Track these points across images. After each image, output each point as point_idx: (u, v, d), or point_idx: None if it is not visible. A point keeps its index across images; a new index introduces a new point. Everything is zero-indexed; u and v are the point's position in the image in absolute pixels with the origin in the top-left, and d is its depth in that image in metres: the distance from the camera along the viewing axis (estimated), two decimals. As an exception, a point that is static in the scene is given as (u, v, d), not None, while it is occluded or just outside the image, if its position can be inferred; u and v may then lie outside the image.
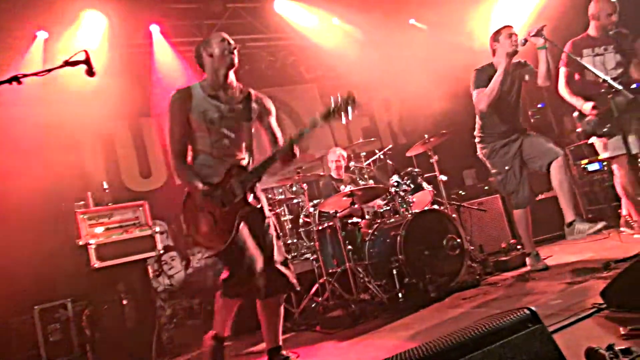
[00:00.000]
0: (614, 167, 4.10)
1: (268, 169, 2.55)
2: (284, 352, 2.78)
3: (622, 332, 1.96)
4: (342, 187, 5.04)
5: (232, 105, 2.64)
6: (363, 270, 4.06)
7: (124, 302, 4.09)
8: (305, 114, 7.55)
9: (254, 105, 2.70)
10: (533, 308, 1.30)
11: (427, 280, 3.71)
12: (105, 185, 4.57)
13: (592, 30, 4.04)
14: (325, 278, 4.16)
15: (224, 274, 2.58)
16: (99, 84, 5.20)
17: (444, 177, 4.69)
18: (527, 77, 3.83)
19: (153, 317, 4.30)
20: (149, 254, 4.23)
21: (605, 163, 5.59)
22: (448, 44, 7.41)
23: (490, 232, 5.17)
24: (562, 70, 4.02)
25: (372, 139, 5.95)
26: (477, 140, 4.01)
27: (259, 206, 2.59)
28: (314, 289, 4.29)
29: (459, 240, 4.00)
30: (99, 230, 4.11)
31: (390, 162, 5.08)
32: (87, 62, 2.42)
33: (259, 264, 2.50)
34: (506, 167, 3.80)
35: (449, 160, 5.87)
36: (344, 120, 2.44)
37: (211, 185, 2.52)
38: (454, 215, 4.43)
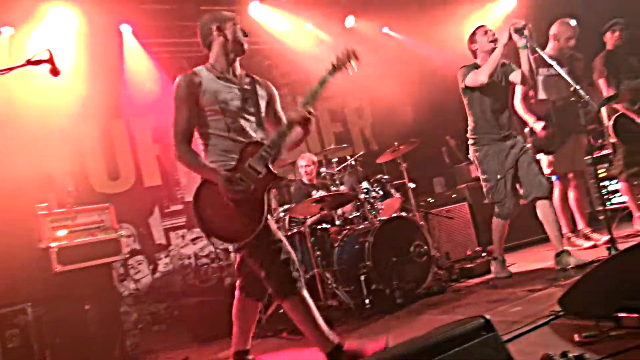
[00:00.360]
0: (555, 182, 4.40)
1: (286, 139, 2.43)
2: (250, 357, 2.76)
3: (577, 339, 2.02)
4: (313, 192, 5.05)
5: (242, 86, 2.50)
6: (331, 276, 4.06)
7: (87, 307, 3.99)
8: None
9: (259, 89, 2.58)
10: (487, 316, 1.33)
11: (394, 287, 3.74)
12: (70, 187, 4.46)
13: (550, 50, 4.26)
14: (293, 284, 4.14)
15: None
16: (66, 82, 5.10)
17: (412, 185, 4.75)
18: (511, 77, 3.74)
19: (117, 322, 4.22)
20: (113, 258, 4.14)
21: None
22: (421, 54, 7.55)
23: (457, 239, 5.26)
24: (519, 87, 4.14)
25: (345, 145, 5.98)
26: (470, 142, 3.88)
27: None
28: (282, 295, 4.27)
29: (425, 247, 4.05)
30: (62, 233, 4.00)
31: (360, 169, 5.12)
32: (50, 61, 2.38)
33: (285, 254, 2.34)
34: (498, 177, 3.70)
35: (419, 168, 5.95)
36: (350, 72, 2.54)
37: (230, 170, 2.31)
38: (421, 223, 4.49)
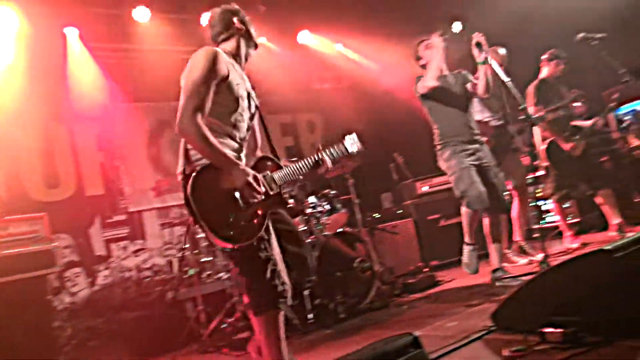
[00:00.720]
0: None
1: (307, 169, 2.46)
2: None
3: (505, 354, 2.11)
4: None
5: (249, 88, 2.38)
6: (276, 291, 4.03)
7: (16, 322, 3.77)
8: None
9: (255, 98, 2.47)
10: (416, 333, 1.37)
11: (337, 302, 3.77)
12: (1, 194, 4.23)
13: None
14: (236, 298, 4.09)
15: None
16: (3, 83, 4.87)
17: (358, 200, 4.81)
18: (469, 86, 3.84)
19: (49, 338, 4.00)
20: (46, 271, 3.94)
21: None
22: (372, 72, 7.72)
23: (401, 254, 5.35)
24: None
25: (294, 159, 5.99)
26: (437, 149, 3.86)
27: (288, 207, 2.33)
28: (224, 309, 4.21)
29: (369, 262, 4.11)
30: (-10, 244, 3.77)
31: (308, 183, 5.14)
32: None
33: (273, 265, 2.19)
34: (462, 166, 3.68)
35: (367, 184, 6.05)
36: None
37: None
38: (366, 238, 4.55)
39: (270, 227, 2.24)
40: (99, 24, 5.75)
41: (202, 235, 5.27)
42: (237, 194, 2.10)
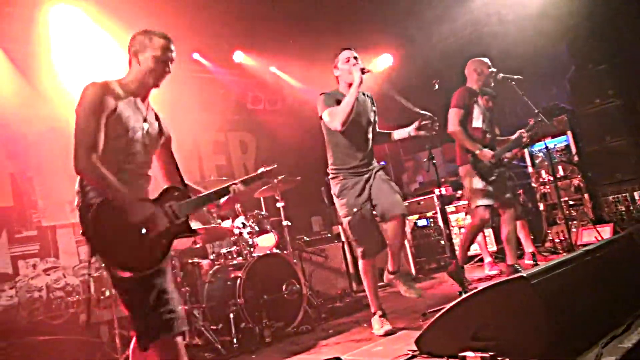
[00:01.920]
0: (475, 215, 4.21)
1: (213, 201, 2.41)
2: None
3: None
4: (187, 224, 4.85)
5: (149, 118, 2.32)
6: (200, 314, 3.89)
7: None
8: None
9: (163, 126, 2.41)
10: (342, 357, 1.35)
11: (263, 325, 3.69)
12: None
13: (473, 84, 4.38)
14: (157, 321, 3.89)
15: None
16: None
17: (288, 223, 4.79)
18: (373, 117, 3.60)
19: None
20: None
21: (432, 220, 6.27)
22: (305, 96, 7.81)
23: (329, 278, 5.37)
24: (454, 111, 4.18)
25: (225, 178, 5.89)
26: (330, 176, 3.53)
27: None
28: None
29: (297, 285, 4.07)
30: None
31: (238, 204, 5.05)
32: None
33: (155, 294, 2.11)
34: (354, 210, 3.33)
35: (299, 205, 6.04)
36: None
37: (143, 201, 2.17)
38: (295, 261, 4.52)
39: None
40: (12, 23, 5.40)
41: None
42: (138, 226, 2.10)
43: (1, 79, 5.23)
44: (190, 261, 4.19)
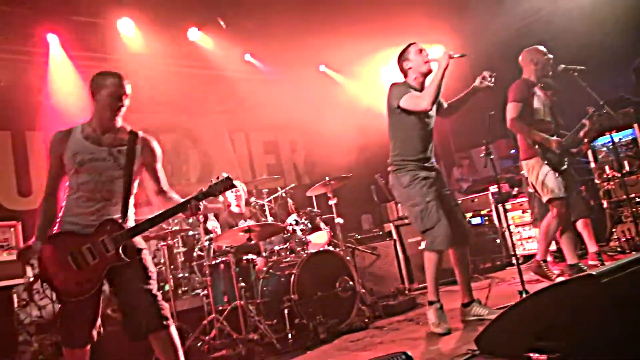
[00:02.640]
0: (551, 209, 4.07)
1: (152, 227, 2.57)
2: None
3: (491, 378, 2.08)
4: (241, 222, 4.95)
5: (111, 148, 2.54)
6: (254, 309, 3.96)
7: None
8: (212, 145, 7.42)
9: (138, 148, 2.59)
10: (408, 352, 1.34)
11: (317, 322, 3.70)
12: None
13: (530, 76, 4.20)
14: (214, 315, 3.99)
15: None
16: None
17: (340, 220, 4.79)
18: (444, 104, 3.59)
19: (14, 352, 3.82)
20: (16, 281, 3.79)
21: (487, 218, 6.09)
22: (355, 93, 7.79)
23: (382, 276, 5.33)
24: (512, 105, 4.02)
25: (276, 177, 5.97)
26: (393, 168, 3.46)
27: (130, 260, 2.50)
28: (201, 327, 4.09)
29: (351, 282, 4.06)
30: (-43, 251, 3.62)
31: (291, 201, 5.10)
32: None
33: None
34: (427, 199, 3.29)
35: (349, 204, 6.03)
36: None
37: (80, 235, 2.44)
38: (348, 258, 4.51)
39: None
40: (82, 32, 5.69)
41: (180, 250, 5.17)
42: (77, 257, 2.42)
43: (68, 85, 5.52)
44: (244, 257, 4.26)
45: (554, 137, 4.01)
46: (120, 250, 2.45)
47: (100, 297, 2.54)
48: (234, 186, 2.69)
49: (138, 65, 6.09)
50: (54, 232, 2.47)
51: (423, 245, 3.39)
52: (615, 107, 4.97)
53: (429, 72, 3.38)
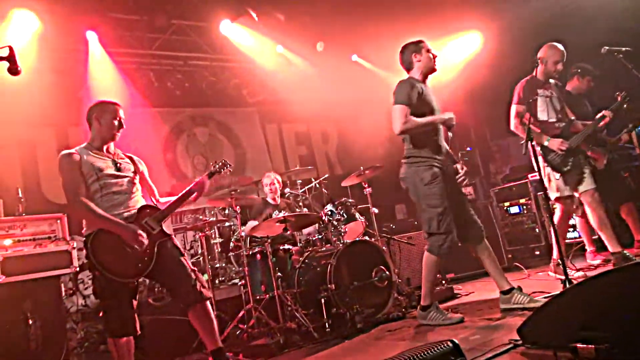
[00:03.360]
0: (557, 206, 4.23)
1: (179, 206, 3.09)
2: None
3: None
4: (276, 212, 5.00)
5: (115, 159, 3.02)
6: (291, 298, 4.00)
7: (30, 321, 3.75)
8: (245, 137, 7.50)
9: (132, 161, 3.14)
10: (455, 340, 1.32)
11: (354, 311, 3.71)
12: (20, 194, 4.24)
13: (539, 74, 4.17)
14: (252, 304, 4.05)
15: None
16: (23, 85, 4.90)
17: (375, 210, 4.77)
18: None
19: (62, 339, 3.97)
20: (63, 271, 3.93)
21: (525, 207, 5.96)
22: (387, 83, 7.70)
23: (418, 266, 5.27)
24: (513, 108, 4.09)
25: (309, 167, 5.99)
26: (409, 160, 3.44)
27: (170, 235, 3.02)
28: (239, 316, 4.16)
29: (387, 272, 4.05)
30: (8, 242, 3.77)
31: (326, 191, 5.11)
32: (10, 58, 2.27)
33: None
34: (446, 204, 3.29)
35: (382, 194, 5.99)
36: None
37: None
38: (383, 248, 4.49)
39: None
40: (119, 29, 5.81)
41: (216, 240, 5.25)
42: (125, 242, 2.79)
43: (107, 80, 5.67)
44: (281, 247, 4.30)
45: (556, 138, 3.99)
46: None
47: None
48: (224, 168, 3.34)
49: (171, 59, 6.20)
50: (99, 230, 2.79)
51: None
52: (662, 90, 4.76)
53: (434, 71, 3.49)
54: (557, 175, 4.01)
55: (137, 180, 3.09)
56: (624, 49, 3.94)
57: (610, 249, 4.02)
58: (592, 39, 4.19)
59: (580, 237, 4.92)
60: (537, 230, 5.87)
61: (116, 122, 3.00)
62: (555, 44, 4.17)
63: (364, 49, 7.59)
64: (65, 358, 3.89)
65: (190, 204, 3.47)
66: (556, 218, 4.24)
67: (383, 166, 4.89)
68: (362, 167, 4.75)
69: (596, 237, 5.13)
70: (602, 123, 4.07)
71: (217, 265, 5.24)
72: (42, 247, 3.87)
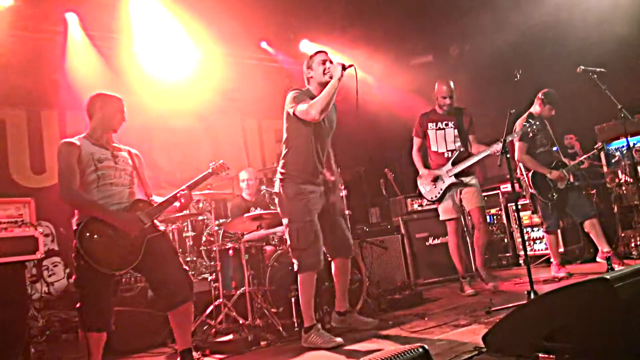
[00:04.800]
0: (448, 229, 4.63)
1: (171, 204, 3.05)
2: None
3: (499, 376, 2.09)
4: (251, 209, 4.97)
5: (114, 152, 3.01)
6: (261, 296, 3.99)
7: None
8: (224, 132, 7.43)
9: (131, 156, 3.11)
10: (426, 346, 1.35)
11: (324, 311, 3.73)
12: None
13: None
14: (221, 300, 4.03)
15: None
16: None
17: (349, 212, 4.80)
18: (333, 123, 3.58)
19: (24, 327, 3.86)
20: (28, 257, 3.82)
21: (495, 217, 6.09)
22: (375, 91, 7.75)
23: (388, 270, 5.36)
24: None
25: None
26: (280, 177, 3.40)
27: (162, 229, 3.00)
28: (207, 311, 4.13)
29: (358, 274, 4.08)
30: (-29, 225, 3.65)
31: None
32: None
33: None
34: (307, 218, 3.28)
35: (357, 197, 6.05)
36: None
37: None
38: (356, 250, 4.52)
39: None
40: (102, 12, 5.69)
41: (188, 234, 5.20)
42: (116, 234, 2.77)
43: (86, 64, 5.54)
44: (254, 244, 4.28)
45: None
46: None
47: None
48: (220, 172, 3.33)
49: (152, 46, 6.10)
50: (90, 218, 2.76)
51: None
52: (633, 112, 4.95)
53: (327, 83, 3.27)
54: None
55: (134, 175, 3.08)
56: (598, 69, 4.08)
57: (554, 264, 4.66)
58: (574, 58, 4.37)
59: (547, 249, 5.07)
60: (505, 240, 6.01)
61: (119, 116, 3.03)
62: (444, 80, 4.60)
63: (347, 50, 7.62)
64: (25, 346, 3.79)
65: (179, 211, 3.33)
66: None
67: (360, 169, 4.93)
68: (339, 169, 4.76)
69: (562, 250, 5.32)
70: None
71: (188, 259, 5.18)
72: (7, 232, 3.76)
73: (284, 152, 3.44)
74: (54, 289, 5.54)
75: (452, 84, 4.57)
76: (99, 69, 5.62)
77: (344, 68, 3.19)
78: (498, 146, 4.19)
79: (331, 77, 3.24)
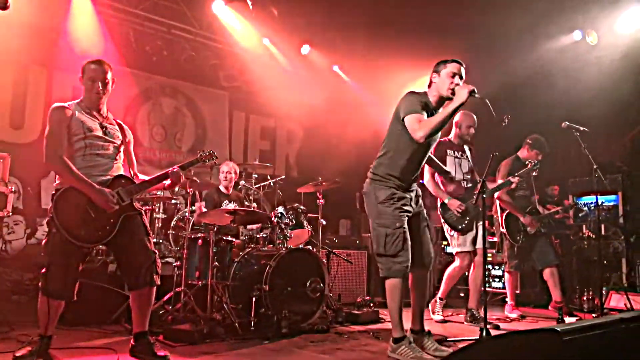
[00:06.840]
0: (457, 259, 4.63)
1: (154, 185, 3.07)
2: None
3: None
4: (225, 202, 4.99)
5: (103, 123, 2.97)
6: (223, 290, 4.01)
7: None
8: (210, 119, 7.42)
9: (121, 128, 3.09)
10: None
11: (282, 315, 3.77)
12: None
13: (452, 136, 4.62)
14: (182, 288, 4.03)
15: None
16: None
17: (323, 222, 4.87)
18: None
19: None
20: (-2, 213, 3.76)
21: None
22: (363, 99, 7.85)
23: (351, 284, 5.43)
24: (427, 167, 4.26)
25: (268, 165, 6.00)
26: (373, 177, 3.29)
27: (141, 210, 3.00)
28: (167, 297, 4.12)
29: (321, 284, 4.14)
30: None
31: (280, 192, 5.16)
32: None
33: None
34: (397, 224, 3.15)
35: (329, 207, 6.10)
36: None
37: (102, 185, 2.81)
38: (323, 260, 4.58)
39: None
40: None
41: (159, 216, 5.17)
42: (93, 207, 2.75)
43: (86, 28, 5.45)
44: (224, 238, 4.29)
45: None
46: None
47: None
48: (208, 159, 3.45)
49: (155, 23, 6.06)
50: (69, 187, 2.74)
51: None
52: (605, 172, 5.17)
53: (448, 98, 3.13)
54: (453, 232, 4.48)
55: (122, 149, 3.05)
56: (581, 128, 4.25)
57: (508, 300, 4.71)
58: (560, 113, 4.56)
59: (504, 288, 5.23)
60: (465, 273, 6.14)
61: (94, 84, 2.90)
62: (469, 112, 4.54)
63: (346, 62, 7.71)
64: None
65: (159, 189, 3.39)
66: (450, 269, 4.68)
67: (340, 182, 5.00)
68: (320, 178, 4.84)
69: (518, 292, 5.49)
70: (512, 185, 4.53)
71: (154, 240, 5.14)
72: (-22, 185, 3.69)
73: (382, 152, 3.30)
74: (10, 248, 5.44)
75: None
76: (98, 37, 5.55)
77: (471, 94, 2.96)
78: (514, 179, 4.41)
79: (453, 95, 3.04)
